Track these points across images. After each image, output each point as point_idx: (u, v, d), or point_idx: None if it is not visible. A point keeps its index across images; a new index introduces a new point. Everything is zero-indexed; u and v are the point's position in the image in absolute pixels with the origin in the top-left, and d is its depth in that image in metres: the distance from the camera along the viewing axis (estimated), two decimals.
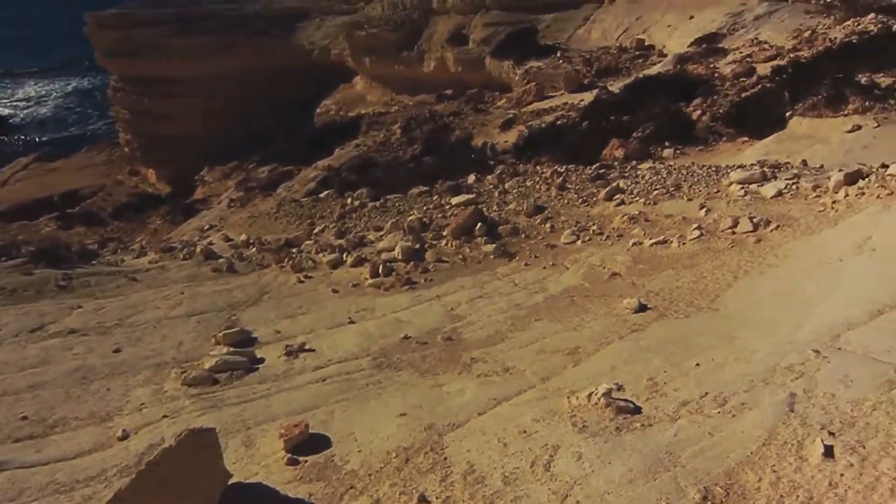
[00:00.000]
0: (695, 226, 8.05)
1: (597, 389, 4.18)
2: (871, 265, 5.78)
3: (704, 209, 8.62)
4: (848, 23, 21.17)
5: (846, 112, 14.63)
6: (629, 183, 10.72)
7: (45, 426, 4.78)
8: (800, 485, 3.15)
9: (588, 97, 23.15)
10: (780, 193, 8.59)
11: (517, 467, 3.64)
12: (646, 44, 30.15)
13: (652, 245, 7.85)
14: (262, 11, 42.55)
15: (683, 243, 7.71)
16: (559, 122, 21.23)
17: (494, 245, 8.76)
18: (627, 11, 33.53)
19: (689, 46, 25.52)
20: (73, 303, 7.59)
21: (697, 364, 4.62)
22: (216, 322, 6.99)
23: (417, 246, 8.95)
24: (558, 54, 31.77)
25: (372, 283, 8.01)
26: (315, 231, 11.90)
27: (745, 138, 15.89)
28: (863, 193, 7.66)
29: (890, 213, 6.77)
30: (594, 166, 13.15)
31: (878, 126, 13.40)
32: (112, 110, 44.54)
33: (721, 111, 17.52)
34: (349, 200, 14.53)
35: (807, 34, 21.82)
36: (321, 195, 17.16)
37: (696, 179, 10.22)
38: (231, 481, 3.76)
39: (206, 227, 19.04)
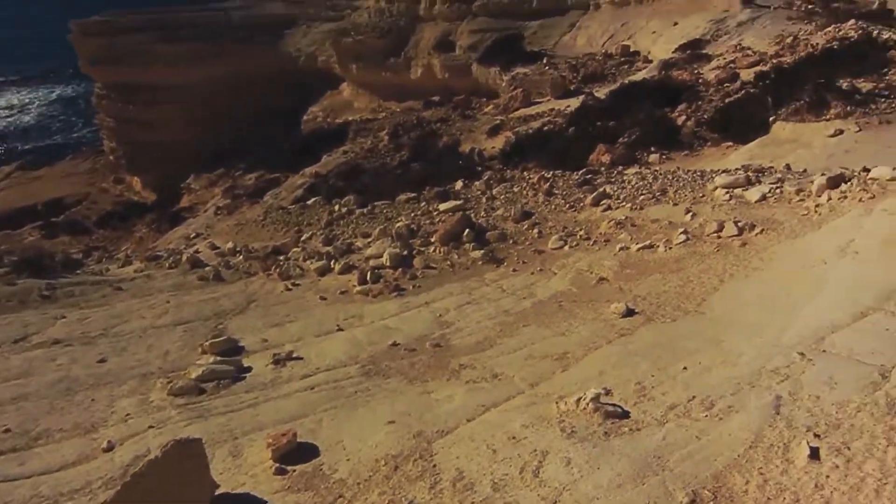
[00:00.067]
0: (681, 230, 8.11)
1: (585, 394, 4.19)
2: (854, 268, 5.85)
3: (690, 214, 8.69)
4: (829, 29, 21.49)
5: (828, 117, 14.86)
6: (616, 188, 10.79)
7: (29, 438, 4.71)
8: (786, 487, 3.17)
9: (574, 103, 23.30)
10: (764, 198, 8.68)
11: (506, 473, 3.64)
12: (631, 50, 30.44)
13: (639, 250, 7.90)
14: (248, 18, 42.47)
15: (670, 248, 7.77)
16: (546, 128, 21.34)
17: (482, 251, 8.77)
18: (613, 18, 33.84)
19: (673, 52, 25.79)
20: (57, 313, 7.50)
21: (684, 368, 4.65)
22: (203, 331, 6.94)
23: (405, 252, 8.95)
24: (544, 60, 32.00)
25: (360, 290, 7.99)
26: (302, 238, 11.86)
27: (730, 143, 16.09)
28: (845, 197, 7.76)
29: (872, 217, 6.86)
30: (581, 172, 13.22)
31: (860, 130, 13.62)
32: (96, 118, 44.19)
33: (706, 116, 17.71)
34: (337, 207, 14.51)
35: (789, 40, 22.12)
36: (308, 202, 17.13)
37: (681, 184, 10.31)
38: (218, 492, 3.72)
39: (192, 236, 18.93)
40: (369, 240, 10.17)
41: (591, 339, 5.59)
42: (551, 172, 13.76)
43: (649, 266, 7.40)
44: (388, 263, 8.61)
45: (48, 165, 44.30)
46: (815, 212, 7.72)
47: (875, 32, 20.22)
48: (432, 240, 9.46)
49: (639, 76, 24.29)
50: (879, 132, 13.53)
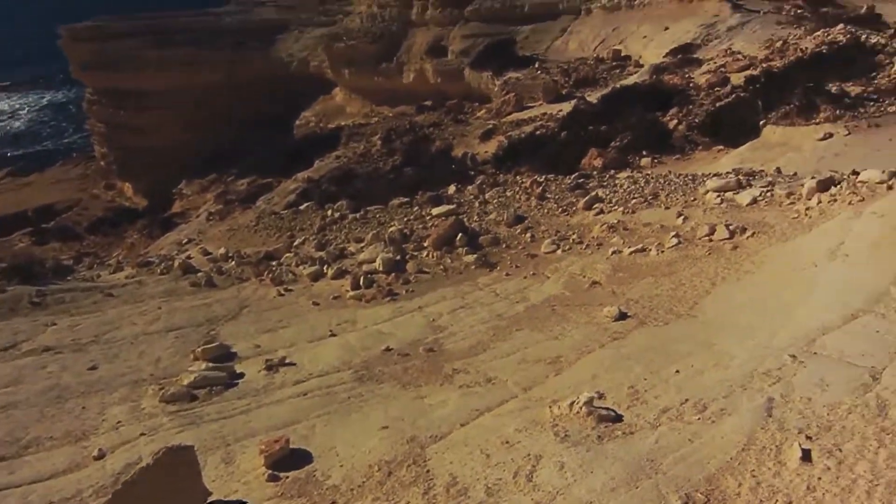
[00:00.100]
0: (673, 234, 8.14)
1: (578, 398, 4.20)
2: (844, 270, 5.89)
3: (682, 217, 8.72)
4: (818, 33, 21.67)
5: (818, 120, 14.96)
6: (608, 192, 10.82)
7: (19, 447, 4.67)
8: (779, 489, 3.18)
9: (566, 107, 23.38)
10: (755, 201, 8.73)
11: (500, 478, 3.63)
12: (622, 54, 30.59)
13: (631, 253, 7.92)
14: (240, 23, 42.42)
15: (662, 251, 7.80)
16: (538, 133, 21.40)
17: (475, 255, 8.78)
18: (604, 23, 34.01)
19: (664, 57, 25.92)
20: (48, 320, 7.45)
21: (677, 371, 4.66)
22: (195, 337, 6.91)
23: (398, 257, 8.94)
24: (536, 65, 32.10)
25: (353, 295, 7.97)
26: (295, 243, 11.84)
27: (721, 147, 16.16)
28: (835, 200, 7.82)
29: (861, 219, 6.91)
30: (573, 176, 13.26)
31: (849, 134, 13.72)
32: (87, 123, 43.98)
33: (697, 120, 17.81)
34: (329, 212, 14.48)
35: (778, 44, 22.30)
36: (301, 207, 17.09)
37: (673, 188, 10.36)
38: (210, 499, 3.70)
39: (184, 241, 18.85)
40: (362, 245, 10.16)
41: (584, 343, 5.60)
42: (544, 176, 13.80)
43: (641, 269, 7.42)
44: (381, 268, 8.60)
45: (38, 171, 44.07)
46: (806, 215, 7.77)
47: (863, 37, 20.40)
48: (425, 244, 9.46)
49: (630, 80, 24.40)
50: (868, 135, 13.64)
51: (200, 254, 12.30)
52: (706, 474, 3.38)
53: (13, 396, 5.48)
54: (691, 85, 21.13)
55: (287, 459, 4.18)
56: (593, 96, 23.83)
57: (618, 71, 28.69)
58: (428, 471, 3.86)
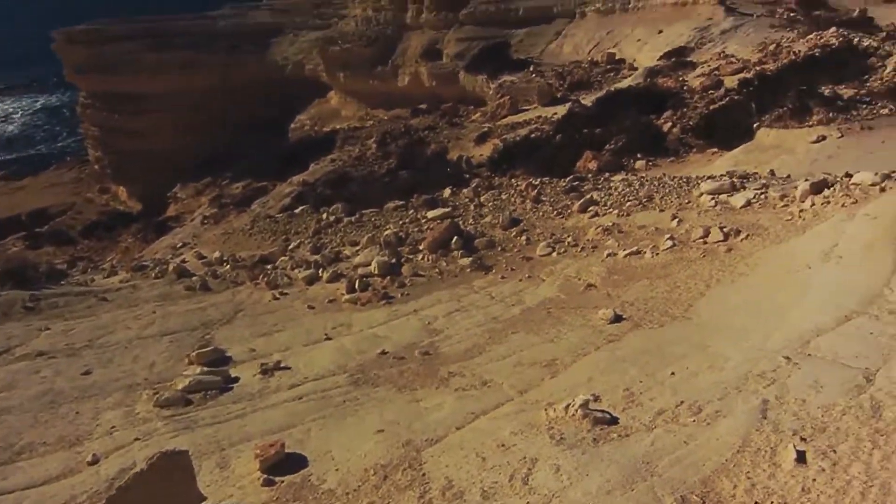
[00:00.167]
0: (667, 236, 8.16)
1: (574, 401, 4.20)
2: (837, 272, 5.91)
3: (676, 220, 8.75)
4: (811, 36, 21.83)
5: (811, 123, 15.06)
6: (602, 195, 10.85)
7: (12, 452, 4.64)
8: (774, 491, 3.19)
9: (561, 110, 23.47)
10: (749, 203, 8.76)
11: (496, 481, 3.63)
12: (616, 58, 30.73)
13: (626, 256, 7.94)
14: (235, 27, 42.40)
15: (656, 254, 7.81)
16: (533, 136, 21.47)
17: (471, 258, 8.78)
18: (598, 26, 34.16)
19: (658, 60, 26.06)
20: (41, 324, 7.41)
21: (672, 373, 4.67)
22: (189, 341, 6.88)
23: (394, 260, 8.94)
24: (531, 68, 32.21)
25: (348, 298, 7.96)
26: (290, 247, 11.81)
27: (715, 149, 16.24)
28: (828, 202, 7.85)
29: (855, 221, 6.94)
30: (568, 178, 13.28)
31: (842, 136, 13.80)
32: (81, 127, 43.89)
33: (691, 123, 17.90)
34: (324, 216, 14.45)
35: (772, 47, 22.44)
36: (296, 211, 17.05)
37: (667, 191, 10.38)
38: None
39: (178, 245, 18.81)
40: (357, 248, 10.15)
41: (579, 346, 5.60)
42: (539, 179, 13.82)
43: (636, 272, 7.44)
44: (376, 271, 8.59)
45: (32, 175, 43.96)
46: (799, 217, 7.80)
47: (856, 40, 20.56)
48: (420, 247, 9.46)
49: (624, 83, 24.51)
50: (861, 138, 13.73)
51: (195, 258, 12.27)
52: (701, 476, 3.38)
53: (6, 402, 5.45)
54: (685, 88, 21.24)
55: (282, 464, 4.17)
56: (588, 99, 23.92)
57: (612, 74, 28.83)
58: (424, 474, 3.86)
